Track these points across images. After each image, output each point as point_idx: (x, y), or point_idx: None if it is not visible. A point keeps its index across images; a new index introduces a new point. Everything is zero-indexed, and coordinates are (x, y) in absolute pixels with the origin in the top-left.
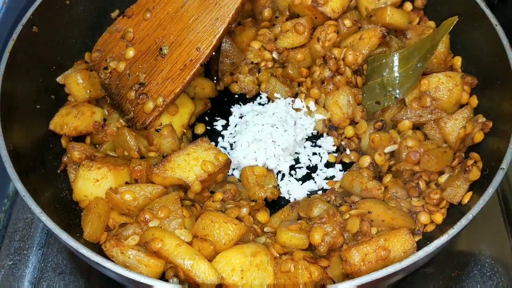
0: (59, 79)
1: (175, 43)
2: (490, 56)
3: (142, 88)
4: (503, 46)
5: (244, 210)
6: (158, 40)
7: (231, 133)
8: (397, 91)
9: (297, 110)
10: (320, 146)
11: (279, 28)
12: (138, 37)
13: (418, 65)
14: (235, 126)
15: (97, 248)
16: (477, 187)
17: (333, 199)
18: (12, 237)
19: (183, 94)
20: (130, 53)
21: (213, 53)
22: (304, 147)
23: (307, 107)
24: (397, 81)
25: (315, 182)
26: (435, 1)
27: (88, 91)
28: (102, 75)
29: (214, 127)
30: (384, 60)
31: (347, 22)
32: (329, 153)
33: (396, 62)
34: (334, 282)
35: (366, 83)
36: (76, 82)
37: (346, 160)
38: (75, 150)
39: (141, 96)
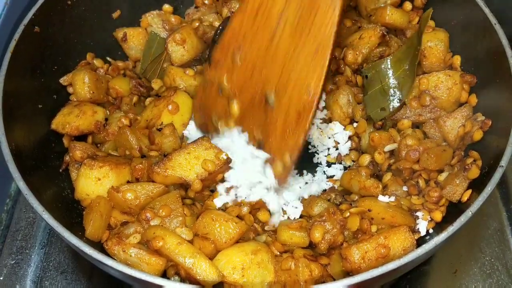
0: (63, 79)
1: (280, 88)
2: (489, 55)
3: (261, 147)
4: (502, 45)
5: (245, 209)
6: (258, 87)
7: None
8: (398, 93)
9: None
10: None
11: None
12: (235, 88)
13: (411, 64)
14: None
15: (99, 246)
16: (477, 185)
17: (333, 198)
18: (14, 236)
19: (184, 93)
20: (235, 108)
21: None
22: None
23: None
24: (397, 84)
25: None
26: (435, 0)
27: (91, 92)
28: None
29: None
30: (380, 67)
31: (347, 22)
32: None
33: (389, 66)
34: (334, 280)
35: (366, 94)
36: (82, 80)
37: (346, 159)
38: (77, 149)
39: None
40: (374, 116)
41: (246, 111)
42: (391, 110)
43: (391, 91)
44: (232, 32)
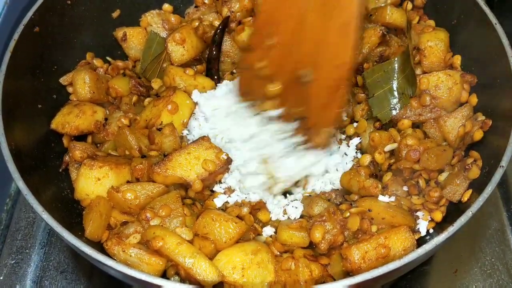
0: (63, 79)
1: (313, 65)
2: (489, 55)
3: (306, 122)
4: (503, 45)
5: (245, 209)
6: (293, 67)
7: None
8: (408, 91)
9: None
10: None
11: None
12: (271, 70)
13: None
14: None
15: (99, 246)
16: (477, 185)
17: (333, 197)
18: (14, 236)
19: (183, 93)
20: (275, 90)
21: (214, 53)
22: None
23: None
24: (406, 82)
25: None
26: (435, 0)
27: (92, 91)
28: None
29: None
30: (388, 68)
31: None
32: None
33: (396, 66)
34: (334, 280)
35: (373, 96)
36: (83, 80)
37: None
38: (77, 149)
39: (311, 131)
40: (382, 117)
41: (285, 91)
42: (402, 107)
43: (401, 90)
44: (262, 19)
